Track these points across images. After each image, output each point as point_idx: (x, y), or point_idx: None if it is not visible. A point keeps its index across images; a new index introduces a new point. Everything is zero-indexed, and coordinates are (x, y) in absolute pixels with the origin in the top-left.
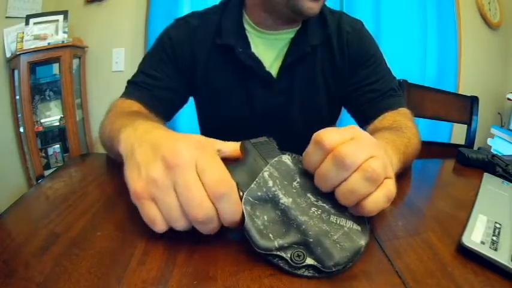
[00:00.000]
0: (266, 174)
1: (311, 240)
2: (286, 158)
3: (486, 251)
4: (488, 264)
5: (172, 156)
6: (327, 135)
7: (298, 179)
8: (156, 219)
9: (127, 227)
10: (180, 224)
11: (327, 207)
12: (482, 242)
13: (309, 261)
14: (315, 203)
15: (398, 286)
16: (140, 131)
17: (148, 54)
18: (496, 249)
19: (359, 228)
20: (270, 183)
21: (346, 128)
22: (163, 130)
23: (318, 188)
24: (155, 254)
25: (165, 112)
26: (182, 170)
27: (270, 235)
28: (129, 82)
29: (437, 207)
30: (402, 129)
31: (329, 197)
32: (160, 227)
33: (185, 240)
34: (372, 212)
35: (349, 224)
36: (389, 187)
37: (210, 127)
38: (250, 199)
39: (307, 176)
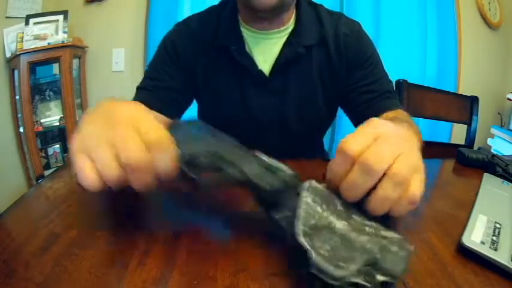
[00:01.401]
0: (308, 200)
1: (378, 256)
2: (315, 183)
3: (486, 251)
4: (488, 264)
5: (112, 114)
6: (350, 144)
7: (336, 201)
8: (87, 167)
9: (127, 227)
10: (112, 173)
11: (374, 224)
12: (482, 242)
13: (379, 277)
14: (363, 221)
15: (398, 286)
16: (97, 106)
17: (152, 60)
18: (496, 249)
19: (399, 236)
20: (318, 208)
21: (369, 127)
22: (118, 100)
23: (357, 207)
24: (155, 254)
25: (170, 113)
26: (120, 125)
27: (340, 263)
28: (137, 88)
29: (437, 207)
30: (409, 122)
31: (362, 213)
32: (90, 176)
33: (185, 240)
34: (400, 214)
35: (395, 235)
36: (412, 191)
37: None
38: (307, 230)
39: (336, 195)
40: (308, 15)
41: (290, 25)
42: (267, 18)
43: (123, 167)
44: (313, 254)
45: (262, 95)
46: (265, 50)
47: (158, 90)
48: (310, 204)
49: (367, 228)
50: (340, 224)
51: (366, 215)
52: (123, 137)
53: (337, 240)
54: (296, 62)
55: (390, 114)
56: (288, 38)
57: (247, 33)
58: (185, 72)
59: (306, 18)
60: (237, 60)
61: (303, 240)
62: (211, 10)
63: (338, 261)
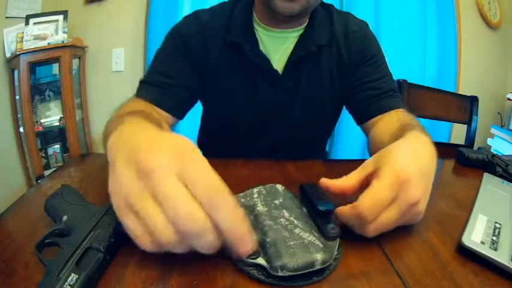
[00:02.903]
0: (255, 189)
1: (268, 240)
2: (279, 186)
3: (486, 251)
4: (488, 264)
5: (146, 160)
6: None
7: (281, 199)
8: (137, 230)
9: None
10: (167, 240)
11: (296, 222)
12: (482, 242)
13: (260, 260)
14: (287, 217)
15: (398, 286)
16: (124, 136)
17: (159, 52)
18: (496, 249)
19: (321, 245)
20: (255, 195)
21: (387, 191)
22: (148, 130)
23: (295, 210)
24: (155, 254)
25: (178, 111)
26: (159, 175)
27: None
28: (141, 82)
29: (437, 207)
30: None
31: (303, 218)
32: (143, 241)
33: None
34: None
35: (311, 238)
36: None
37: (216, 123)
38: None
39: (290, 200)
40: (321, 16)
41: (304, 24)
42: (287, 21)
43: (181, 234)
44: None
45: (274, 92)
46: (280, 49)
47: (168, 87)
48: (252, 191)
49: (282, 220)
50: (260, 208)
51: (302, 220)
52: (171, 200)
53: (251, 218)
54: (308, 60)
55: (400, 115)
56: (301, 37)
57: (262, 31)
58: (196, 68)
59: (318, 18)
60: (249, 59)
61: None
62: (223, 5)
63: None
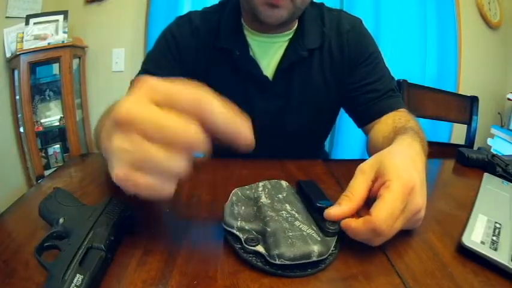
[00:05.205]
0: (261, 183)
1: (269, 229)
2: (284, 182)
3: (486, 251)
4: (488, 264)
5: (117, 111)
6: (382, 224)
7: (284, 194)
8: (157, 183)
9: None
10: (177, 161)
11: (297, 215)
12: (482, 242)
13: (259, 248)
14: (289, 210)
15: (398, 286)
16: (109, 111)
17: (151, 52)
18: (496, 249)
19: (319, 238)
20: (260, 188)
21: (396, 205)
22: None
23: (297, 205)
24: (155, 254)
25: None
26: (134, 114)
27: (238, 218)
28: (132, 82)
29: (437, 207)
30: (417, 131)
31: (304, 213)
32: (166, 187)
33: (185, 240)
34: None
35: (310, 231)
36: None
37: None
38: (239, 193)
39: (293, 195)
40: (311, 16)
41: (294, 28)
42: (275, 27)
43: (183, 145)
44: (227, 204)
45: (266, 98)
46: (270, 54)
47: None
48: (258, 185)
49: (283, 212)
50: (264, 200)
51: (303, 214)
52: (162, 123)
53: (254, 209)
54: (299, 65)
55: (396, 117)
56: (291, 41)
57: (251, 37)
58: (185, 69)
59: (309, 19)
60: (240, 65)
61: (230, 196)
62: (213, 8)
63: (239, 216)
